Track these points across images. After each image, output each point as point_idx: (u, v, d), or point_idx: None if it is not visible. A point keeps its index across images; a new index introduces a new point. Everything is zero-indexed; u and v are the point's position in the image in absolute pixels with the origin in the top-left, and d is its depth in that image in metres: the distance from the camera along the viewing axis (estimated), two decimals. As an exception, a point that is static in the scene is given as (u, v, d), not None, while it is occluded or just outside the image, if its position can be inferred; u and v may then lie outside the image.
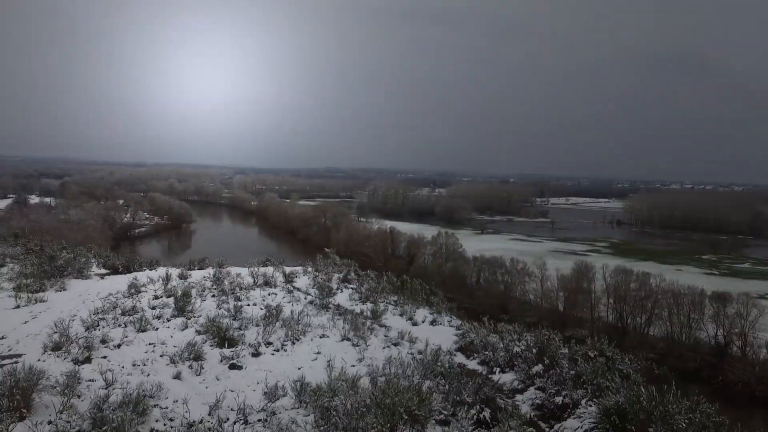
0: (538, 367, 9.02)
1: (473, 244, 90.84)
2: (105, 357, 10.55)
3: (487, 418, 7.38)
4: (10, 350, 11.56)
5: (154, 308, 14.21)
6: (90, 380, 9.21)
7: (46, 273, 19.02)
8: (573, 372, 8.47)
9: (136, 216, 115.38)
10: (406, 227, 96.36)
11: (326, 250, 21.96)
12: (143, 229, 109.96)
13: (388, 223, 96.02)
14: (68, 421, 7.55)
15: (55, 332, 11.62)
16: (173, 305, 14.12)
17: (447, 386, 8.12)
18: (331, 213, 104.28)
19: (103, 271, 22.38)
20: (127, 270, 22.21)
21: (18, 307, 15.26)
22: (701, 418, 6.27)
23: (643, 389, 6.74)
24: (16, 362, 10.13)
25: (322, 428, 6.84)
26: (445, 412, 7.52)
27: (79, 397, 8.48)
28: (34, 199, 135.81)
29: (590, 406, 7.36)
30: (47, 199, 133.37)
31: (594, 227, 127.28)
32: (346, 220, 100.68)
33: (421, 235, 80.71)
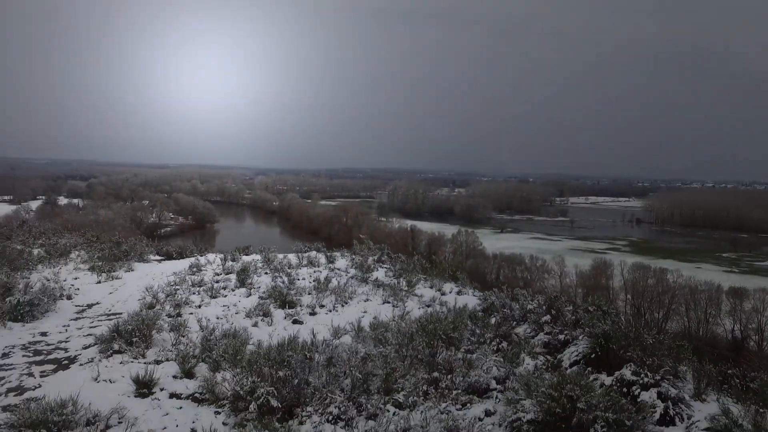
0: (546, 318, 11.19)
1: (493, 242, 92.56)
2: (191, 314, 13.02)
3: (504, 347, 9.61)
4: (110, 310, 14.14)
5: (217, 282, 16.70)
6: (187, 327, 11.65)
7: (114, 256, 21.76)
8: (574, 318, 10.65)
9: (162, 216, 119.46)
10: (426, 226, 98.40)
11: (361, 236, 24.31)
12: (169, 228, 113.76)
13: (409, 222, 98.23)
14: (182, 349, 9.96)
15: (147, 295, 14.19)
16: (234, 279, 16.62)
17: (473, 326, 10.37)
18: (353, 212, 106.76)
19: (158, 257, 25.07)
20: (180, 256, 24.89)
21: (99, 282, 17.92)
22: (665, 339, 8.42)
23: (623, 319, 8.90)
24: (119, 317, 12.66)
25: (379, 348, 9.14)
26: (472, 341, 9.77)
27: (184, 336, 10.92)
28: (62, 201, 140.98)
29: (585, 339, 9.55)
30: (75, 200, 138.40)
31: (613, 226, 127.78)
32: (367, 219, 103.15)
33: (442, 233, 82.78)
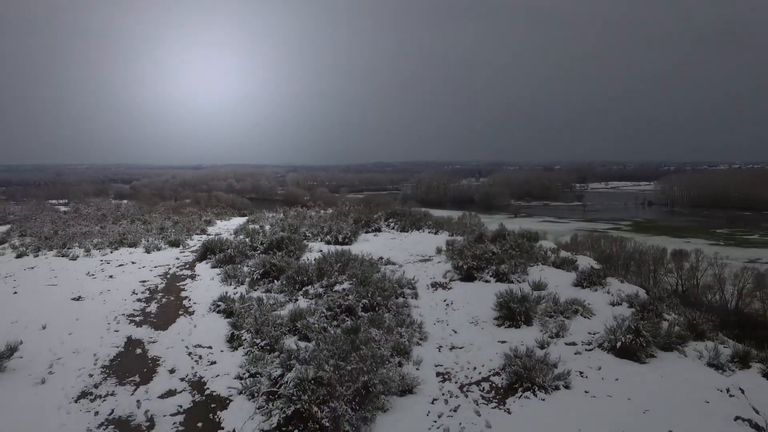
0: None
1: (505, 226, 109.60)
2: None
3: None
4: (234, 225, 34.36)
5: (273, 216, 36.86)
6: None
7: (221, 214, 42.46)
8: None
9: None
10: (444, 213, 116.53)
11: (345, 200, 43.49)
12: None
13: (424, 210, 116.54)
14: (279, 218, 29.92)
15: (251, 217, 34.41)
16: (282, 213, 36.80)
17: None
18: (374, 203, 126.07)
19: (238, 216, 45.60)
20: (251, 214, 45.30)
21: (221, 220, 38.38)
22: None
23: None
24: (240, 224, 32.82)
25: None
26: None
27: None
28: (112, 202, 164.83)
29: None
30: (123, 201, 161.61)
31: (625, 208, 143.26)
32: (387, 208, 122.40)
33: (451, 216, 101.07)
